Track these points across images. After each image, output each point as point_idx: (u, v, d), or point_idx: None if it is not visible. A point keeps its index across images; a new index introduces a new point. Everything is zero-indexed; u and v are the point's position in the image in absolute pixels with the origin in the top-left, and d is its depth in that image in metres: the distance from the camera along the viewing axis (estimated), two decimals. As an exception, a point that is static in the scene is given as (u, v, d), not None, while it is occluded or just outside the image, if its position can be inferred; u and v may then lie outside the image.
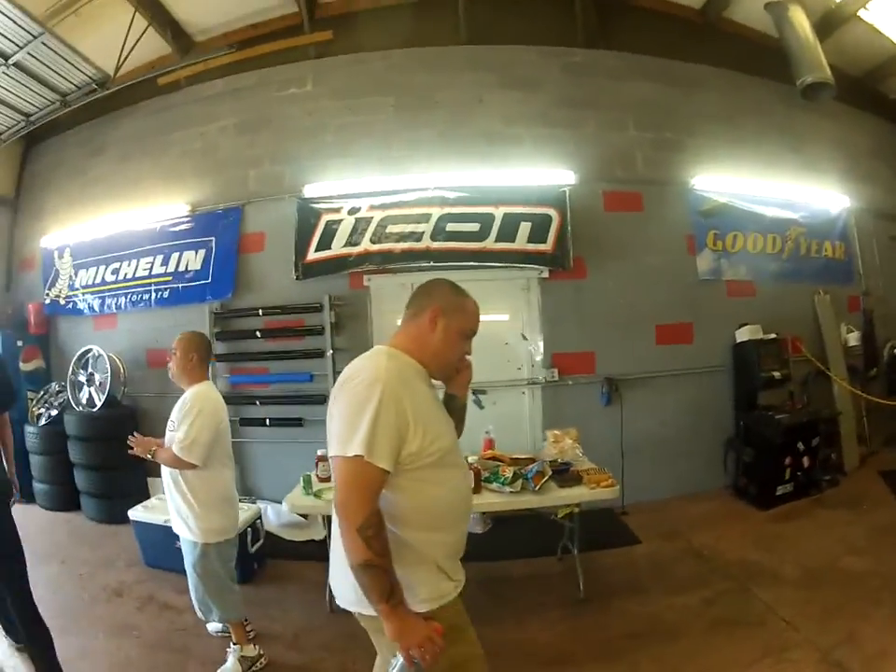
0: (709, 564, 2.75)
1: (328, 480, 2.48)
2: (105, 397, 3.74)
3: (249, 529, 2.85)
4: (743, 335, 3.80)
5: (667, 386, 3.81)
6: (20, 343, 4.08)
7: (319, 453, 2.61)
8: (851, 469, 4.01)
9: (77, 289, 4.22)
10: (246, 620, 2.14)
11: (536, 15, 4.02)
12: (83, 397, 3.83)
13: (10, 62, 3.31)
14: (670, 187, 3.91)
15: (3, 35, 3.08)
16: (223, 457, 2.07)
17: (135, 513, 2.95)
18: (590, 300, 3.75)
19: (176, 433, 1.94)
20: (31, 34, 3.12)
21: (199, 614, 2.09)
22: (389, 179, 3.77)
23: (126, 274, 4.09)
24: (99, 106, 4.16)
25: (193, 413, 1.94)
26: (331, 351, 3.70)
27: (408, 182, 3.76)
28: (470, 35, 3.91)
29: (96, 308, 4.18)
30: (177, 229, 4.03)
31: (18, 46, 3.20)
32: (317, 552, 2.97)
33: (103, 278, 4.16)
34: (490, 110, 3.86)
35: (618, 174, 3.87)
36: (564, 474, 2.48)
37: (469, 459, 2.43)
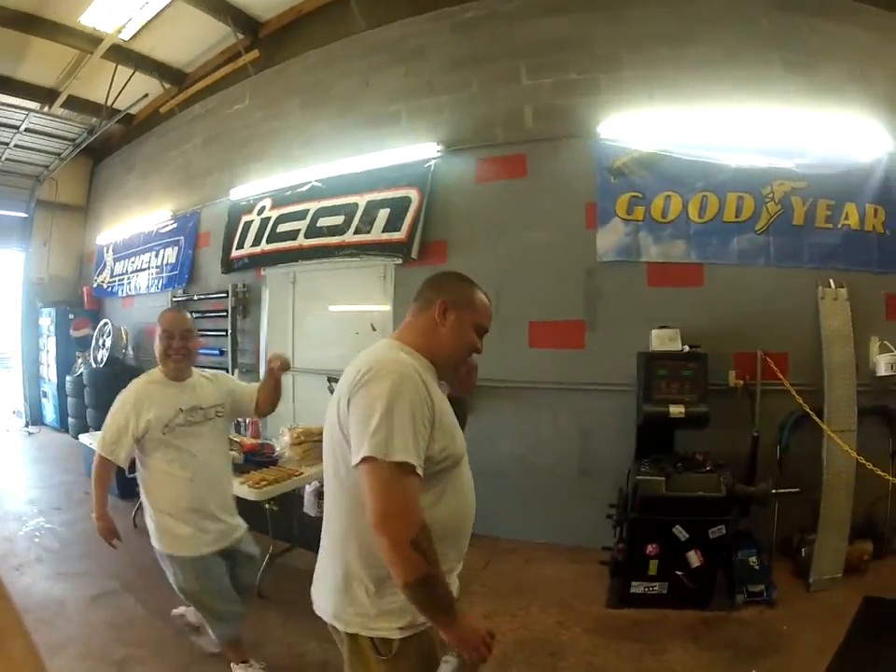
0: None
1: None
2: (107, 357, 5.02)
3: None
4: (653, 342, 2.69)
5: (544, 403, 3.00)
6: (71, 316, 5.77)
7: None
8: (821, 580, 2.52)
9: (114, 277, 5.77)
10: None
11: None
12: (101, 356, 5.19)
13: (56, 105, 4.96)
14: (568, 140, 3.08)
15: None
16: None
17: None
18: (450, 289, 3.28)
19: (231, 385, 1.93)
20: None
21: None
22: (288, 177, 4.03)
23: (137, 266, 5.43)
24: (134, 133, 5.72)
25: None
26: (230, 330, 4.31)
27: (297, 178, 3.96)
28: (368, 21, 3.96)
29: (122, 292, 5.64)
30: (164, 230, 5.13)
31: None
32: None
33: (125, 269, 5.61)
34: (376, 91, 3.76)
35: (499, 136, 3.26)
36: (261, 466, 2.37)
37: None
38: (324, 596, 1.06)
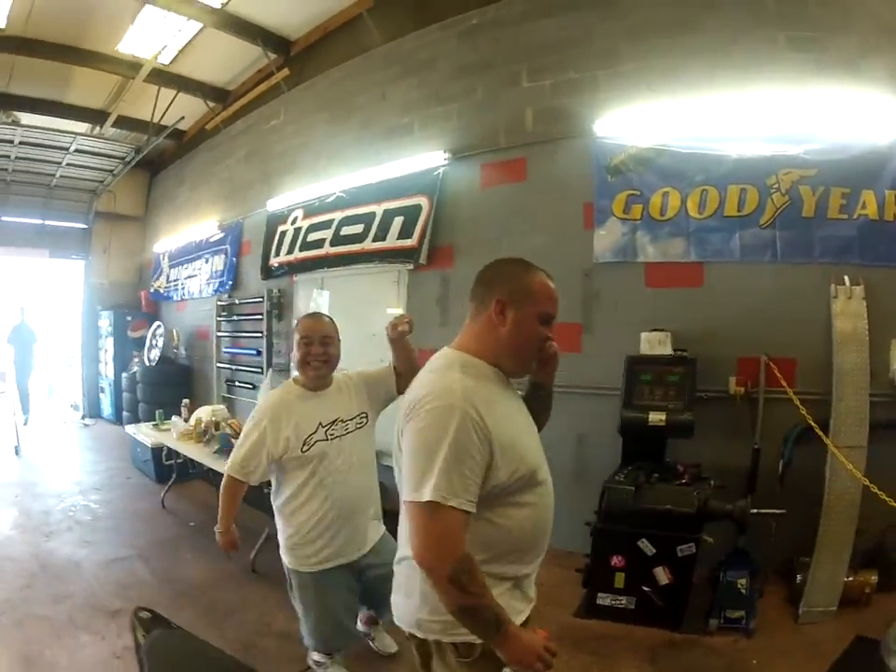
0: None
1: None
2: (158, 356, 5.78)
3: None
4: (643, 346, 2.71)
5: None
6: (129, 318, 6.53)
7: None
8: (812, 612, 2.34)
9: (170, 282, 6.54)
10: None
11: None
12: (153, 356, 5.92)
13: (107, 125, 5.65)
14: (566, 141, 3.15)
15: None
16: None
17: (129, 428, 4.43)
18: (455, 292, 3.48)
19: (368, 373, 1.85)
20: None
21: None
22: (316, 188, 4.43)
23: (189, 272, 6.14)
24: (185, 148, 6.41)
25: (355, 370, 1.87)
26: (266, 332, 4.84)
27: (324, 189, 4.35)
28: (383, 35, 4.19)
29: (177, 296, 6.40)
30: (212, 239, 5.78)
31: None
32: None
33: (179, 275, 6.35)
34: (392, 103, 4.02)
35: (501, 141, 3.40)
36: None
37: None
38: (402, 607, 1.08)
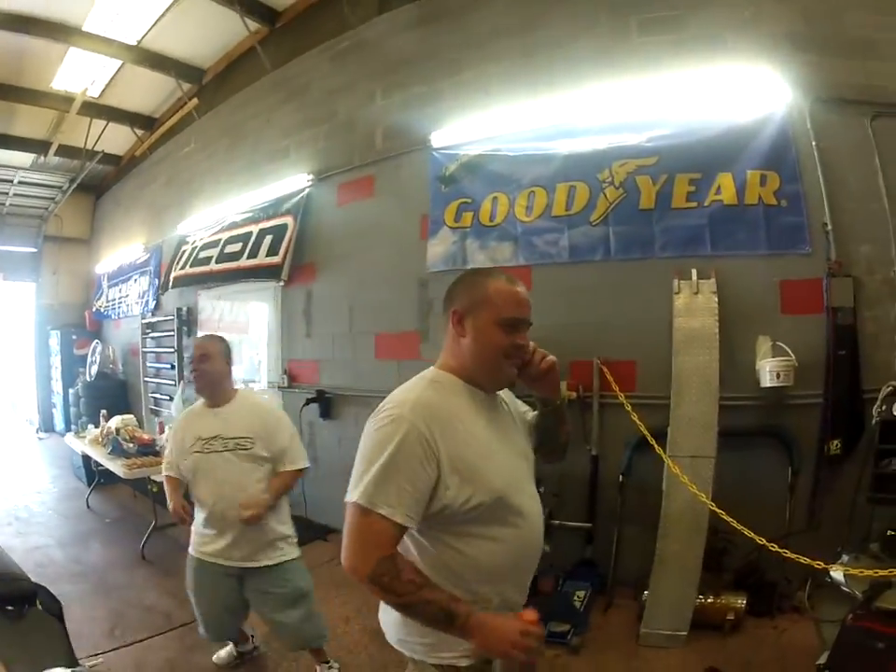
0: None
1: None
2: (97, 372, 6.08)
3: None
4: None
5: None
6: (74, 337, 6.96)
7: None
8: (655, 634, 2.22)
9: (109, 302, 6.85)
10: None
11: (312, 19, 4.25)
12: (93, 372, 6.20)
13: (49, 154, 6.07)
14: (409, 155, 3.27)
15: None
16: None
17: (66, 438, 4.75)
18: (317, 306, 3.61)
19: (283, 445, 1.86)
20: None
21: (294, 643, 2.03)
22: (214, 211, 4.70)
23: (123, 292, 6.44)
24: (122, 173, 6.81)
25: (277, 418, 1.93)
26: (176, 347, 5.12)
27: (220, 212, 4.60)
28: (273, 62, 4.46)
29: (114, 315, 6.71)
30: (139, 261, 6.09)
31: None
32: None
33: (115, 295, 6.67)
34: (275, 128, 4.25)
35: (355, 159, 3.55)
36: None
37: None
38: (386, 623, 1.08)
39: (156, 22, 4.43)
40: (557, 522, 2.30)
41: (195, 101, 5.25)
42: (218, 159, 4.91)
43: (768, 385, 2.40)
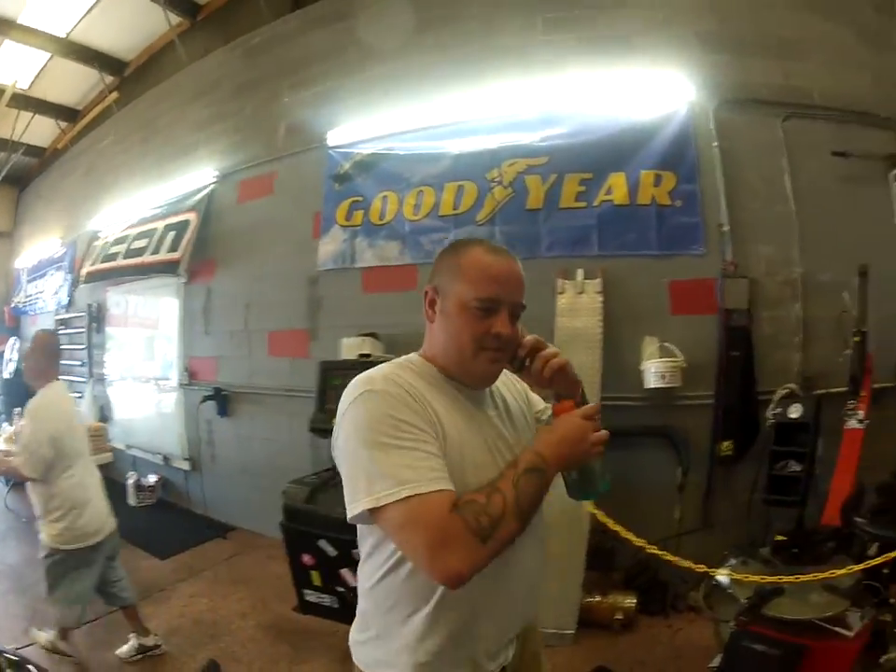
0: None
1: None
2: (14, 369, 5.68)
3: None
4: (343, 351, 2.75)
5: (283, 409, 3.18)
6: None
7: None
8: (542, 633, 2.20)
9: (27, 297, 6.56)
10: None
11: (230, 13, 4.24)
12: (10, 369, 5.80)
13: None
14: (308, 153, 3.29)
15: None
16: (64, 465, 1.97)
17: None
18: (216, 302, 3.57)
19: (22, 444, 1.91)
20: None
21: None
22: (126, 206, 4.58)
23: (40, 287, 6.19)
24: (45, 165, 6.58)
25: (31, 423, 1.92)
26: (87, 344, 4.98)
27: (131, 207, 4.48)
28: (191, 56, 4.41)
29: (32, 311, 6.42)
30: (56, 256, 5.87)
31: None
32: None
33: (32, 291, 6.43)
34: (188, 123, 4.17)
35: (259, 156, 3.53)
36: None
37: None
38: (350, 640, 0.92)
39: (86, 14, 4.37)
40: None
41: (115, 94, 5.14)
42: (134, 153, 4.81)
43: (652, 386, 2.45)
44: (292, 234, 3.28)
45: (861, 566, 1.78)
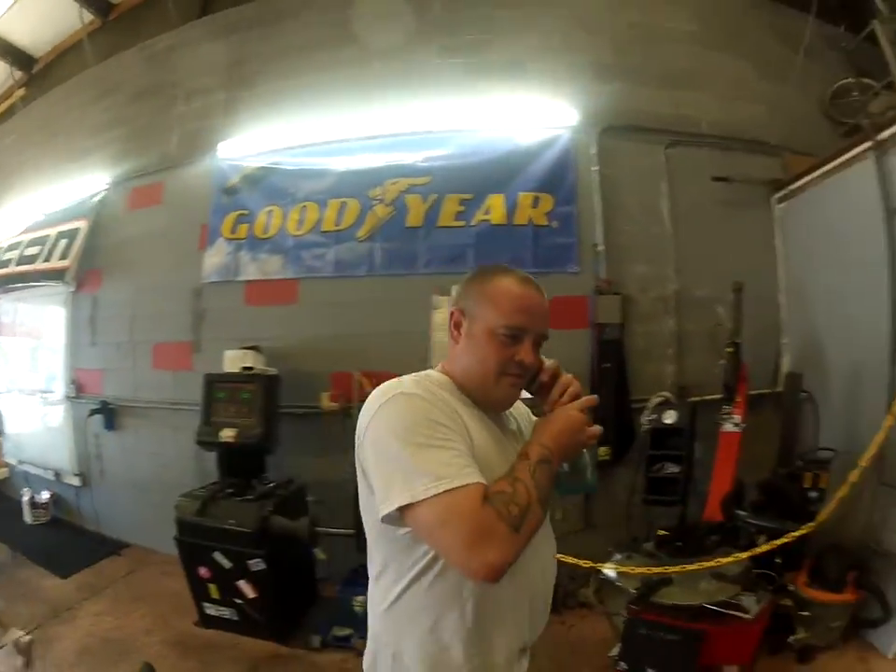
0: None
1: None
2: None
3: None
4: (225, 364, 2.73)
5: (168, 422, 3.15)
6: None
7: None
8: None
9: None
10: None
11: (141, 15, 4.18)
12: None
13: None
14: (198, 164, 3.28)
15: None
16: None
17: None
18: (102, 313, 3.48)
19: None
20: None
21: None
22: (24, 209, 4.37)
23: None
24: None
25: None
26: None
27: (28, 210, 4.30)
28: (97, 57, 4.29)
29: None
30: None
31: None
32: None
33: None
34: (87, 126, 4.05)
35: (151, 164, 3.49)
36: None
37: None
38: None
39: (10, 7, 4.20)
40: (322, 529, 2.35)
41: (22, 90, 4.94)
42: (33, 153, 4.61)
43: (528, 395, 2.59)
44: (179, 245, 3.25)
45: (746, 554, 2.00)
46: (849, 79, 3.05)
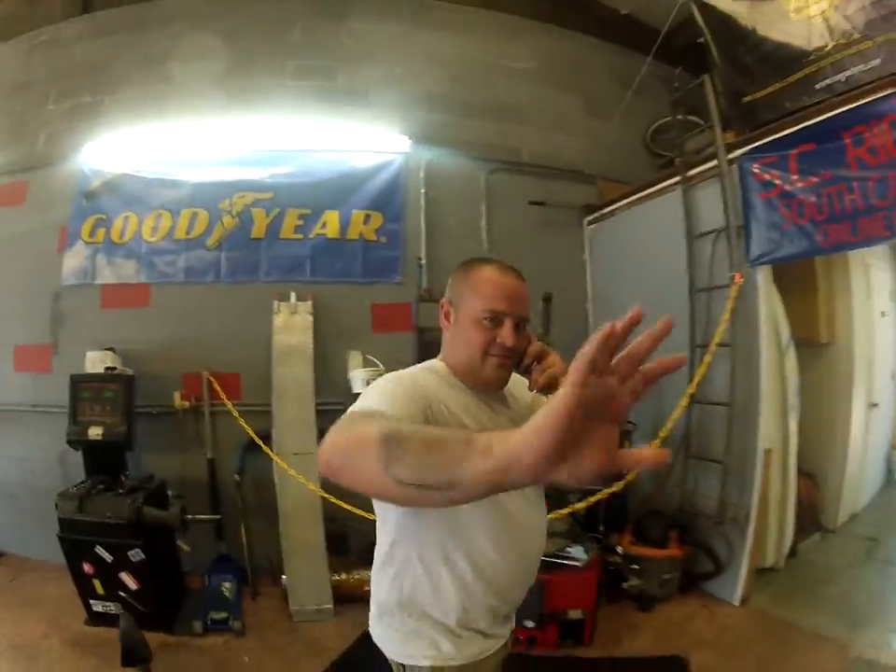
0: None
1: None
2: None
3: None
4: (87, 365, 2.90)
5: (30, 426, 3.25)
6: None
7: None
8: (305, 610, 2.67)
9: None
10: None
11: (29, 5, 4.17)
12: None
13: None
14: (59, 166, 3.37)
15: None
16: None
17: None
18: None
19: None
20: None
21: None
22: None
23: None
24: None
25: None
26: None
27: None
28: None
29: None
30: None
31: None
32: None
33: None
34: None
35: (17, 162, 3.51)
36: None
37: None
38: (371, 622, 1.06)
39: None
40: (190, 517, 2.59)
41: None
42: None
43: (359, 391, 2.85)
44: (39, 247, 3.33)
45: (567, 510, 2.39)
46: (669, 118, 3.42)
